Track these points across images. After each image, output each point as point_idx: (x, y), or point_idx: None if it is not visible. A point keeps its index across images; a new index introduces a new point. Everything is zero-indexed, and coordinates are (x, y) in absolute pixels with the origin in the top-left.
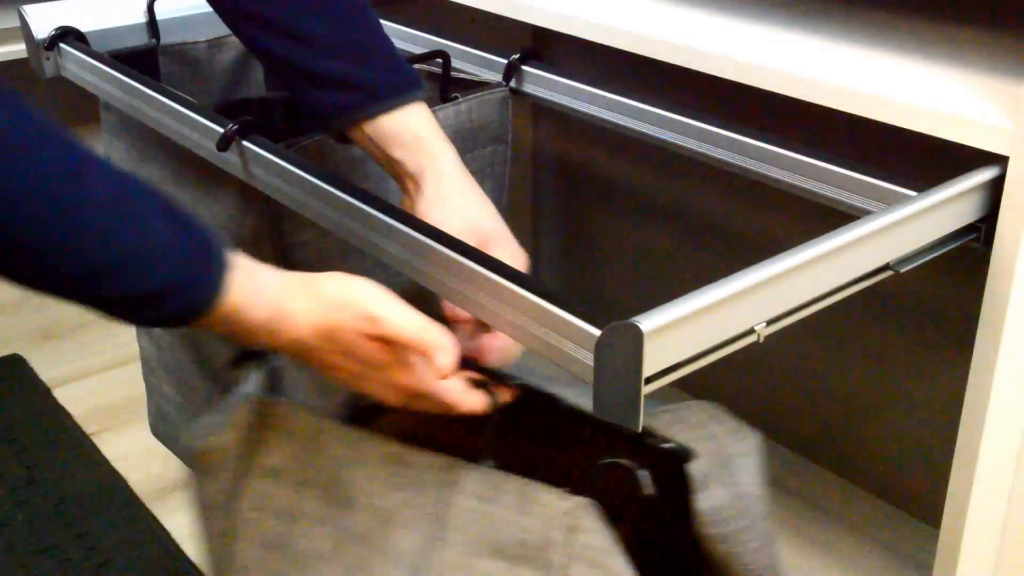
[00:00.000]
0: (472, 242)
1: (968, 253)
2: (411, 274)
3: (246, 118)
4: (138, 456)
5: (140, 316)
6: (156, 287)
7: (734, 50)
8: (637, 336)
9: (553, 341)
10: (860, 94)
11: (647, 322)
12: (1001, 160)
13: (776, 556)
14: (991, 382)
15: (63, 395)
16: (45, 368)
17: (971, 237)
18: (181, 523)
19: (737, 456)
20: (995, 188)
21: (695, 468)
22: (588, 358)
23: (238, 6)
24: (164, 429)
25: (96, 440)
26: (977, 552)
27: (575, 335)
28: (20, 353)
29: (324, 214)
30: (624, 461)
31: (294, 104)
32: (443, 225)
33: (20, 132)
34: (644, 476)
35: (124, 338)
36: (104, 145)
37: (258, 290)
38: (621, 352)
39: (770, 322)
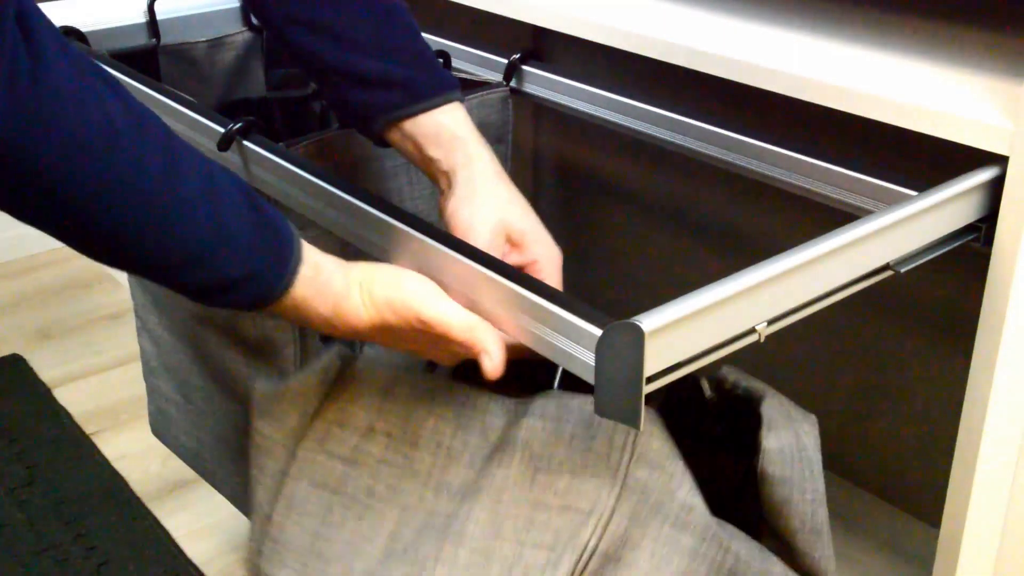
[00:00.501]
0: (504, 239)
1: (968, 253)
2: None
3: (246, 118)
4: (138, 456)
5: (214, 300)
6: (235, 276)
7: (734, 50)
8: (638, 335)
9: (554, 341)
10: (860, 94)
11: (648, 321)
12: (1001, 160)
13: (827, 521)
14: (991, 382)
15: (63, 395)
16: (45, 368)
17: (971, 237)
18: (181, 523)
19: (799, 419)
20: (995, 188)
21: (766, 407)
22: (589, 358)
23: (287, 11)
24: (164, 429)
25: (96, 440)
26: (977, 552)
27: (576, 335)
28: (20, 353)
29: (324, 214)
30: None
31: (299, 104)
32: (474, 221)
33: (128, 121)
34: (705, 382)
35: (124, 338)
36: None
37: (321, 289)
38: (622, 352)
39: (771, 321)
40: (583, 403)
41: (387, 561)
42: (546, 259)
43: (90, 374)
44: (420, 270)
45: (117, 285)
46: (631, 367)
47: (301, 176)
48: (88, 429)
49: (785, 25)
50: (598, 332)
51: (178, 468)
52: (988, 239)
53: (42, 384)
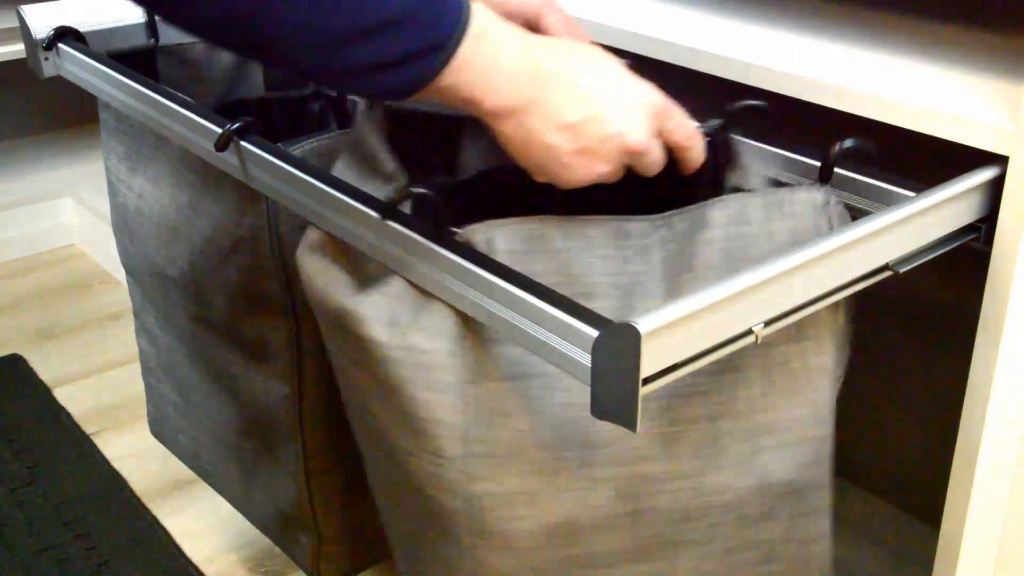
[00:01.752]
0: (527, 13)
1: (968, 253)
2: (406, 273)
3: (245, 118)
4: (138, 456)
5: (381, 76)
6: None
7: (734, 50)
8: (635, 337)
9: (550, 342)
10: (860, 94)
11: (645, 323)
12: (1001, 160)
13: None
14: (991, 382)
15: (63, 395)
16: (45, 368)
17: (971, 237)
18: (181, 523)
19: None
20: (995, 188)
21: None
22: (585, 359)
23: None
24: (163, 429)
25: (96, 440)
26: (977, 552)
27: (573, 336)
28: (20, 353)
29: (322, 215)
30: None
31: (297, 105)
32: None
33: None
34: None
35: (124, 338)
36: (103, 145)
37: (503, 38)
38: (619, 353)
39: (768, 323)
40: (761, 198)
41: None
42: (565, 24)
43: (90, 374)
44: (416, 270)
45: (117, 285)
46: (628, 368)
47: (299, 177)
48: (88, 429)
49: (785, 25)
50: (594, 333)
51: (178, 468)
52: (988, 239)
53: (42, 384)
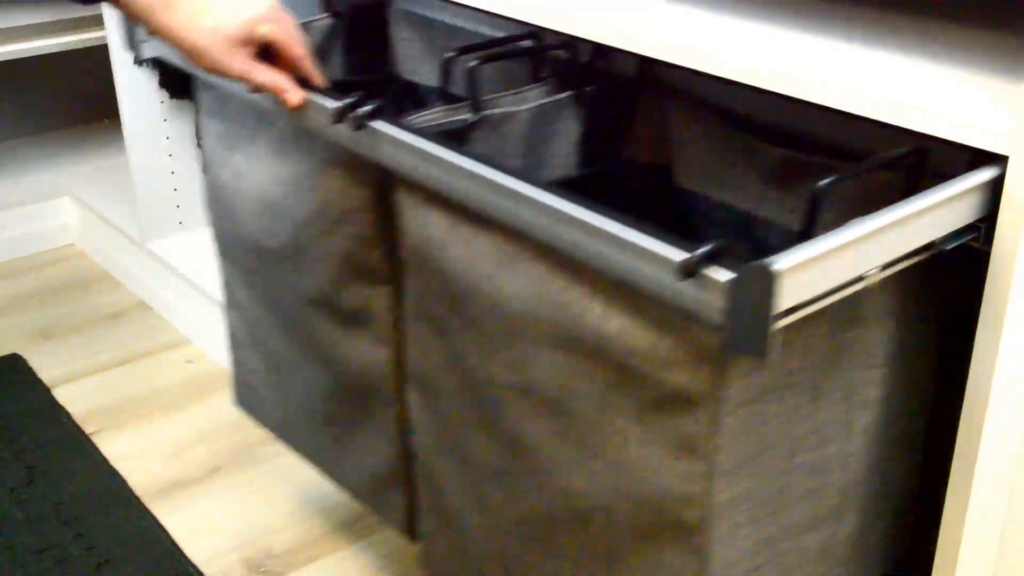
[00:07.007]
0: (249, 23)
1: (968, 253)
2: (542, 236)
3: (360, 93)
4: (138, 456)
5: None
6: None
7: (733, 50)
8: (770, 276)
9: (685, 287)
10: (860, 94)
11: (780, 263)
12: (1001, 160)
13: None
14: (991, 382)
15: (63, 395)
16: (45, 368)
17: (971, 237)
18: (181, 523)
19: None
20: (995, 188)
21: None
22: (720, 299)
23: None
24: (249, 401)
25: (96, 440)
26: (977, 552)
27: (708, 280)
28: (20, 353)
29: (439, 179)
30: None
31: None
32: (218, 17)
33: None
34: None
35: (124, 338)
36: (199, 125)
37: None
38: (753, 292)
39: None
40: None
41: None
42: (291, 33)
43: (90, 374)
44: (554, 232)
45: (117, 285)
46: (761, 306)
47: (419, 147)
48: (88, 429)
49: (785, 25)
50: (730, 275)
51: (178, 468)
52: (988, 239)
53: (42, 384)
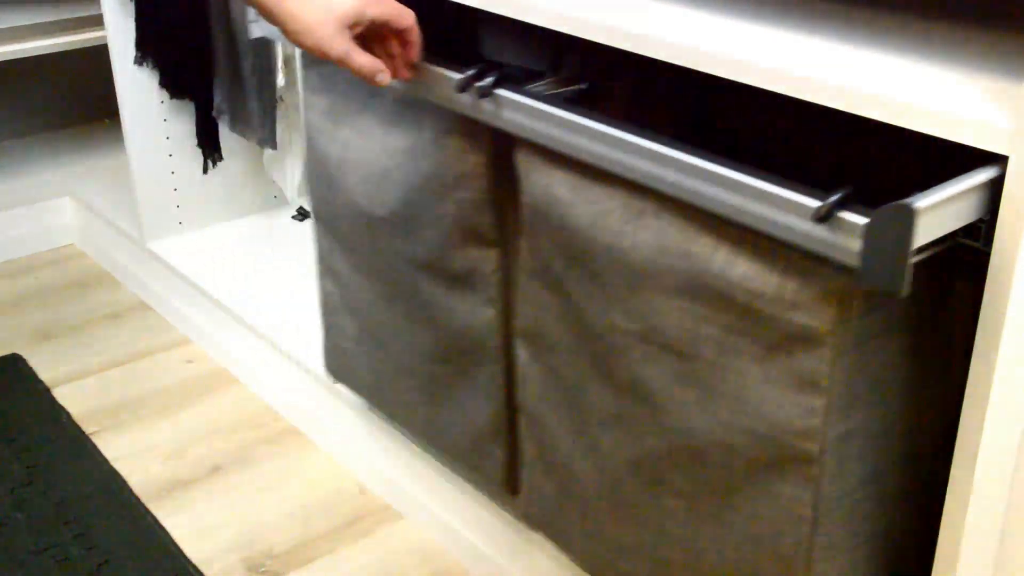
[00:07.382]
0: (360, 5)
1: (968, 253)
2: (671, 190)
3: (482, 64)
4: (138, 456)
5: None
6: None
7: (733, 49)
8: (912, 214)
9: (820, 230)
10: (860, 94)
11: (920, 203)
12: (1001, 160)
13: None
14: (991, 382)
15: (63, 395)
16: (45, 368)
17: (971, 237)
18: (181, 523)
19: None
20: (995, 188)
21: None
22: (856, 240)
23: None
24: (341, 366)
25: (96, 440)
26: (977, 552)
27: (844, 222)
28: (20, 353)
29: (566, 141)
30: None
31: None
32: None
33: None
34: None
35: (124, 338)
36: (303, 102)
37: None
38: (892, 230)
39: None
40: None
41: None
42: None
43: (90, 374)
44: (688, 188)
45: (117, 285)
46: (900, 242)
47: (546, 110)
48: (88, 429)
49: (785, 25)
50: (865, 220)
51: (178, 468)
52: (988, 239)
53: (42, 384)
